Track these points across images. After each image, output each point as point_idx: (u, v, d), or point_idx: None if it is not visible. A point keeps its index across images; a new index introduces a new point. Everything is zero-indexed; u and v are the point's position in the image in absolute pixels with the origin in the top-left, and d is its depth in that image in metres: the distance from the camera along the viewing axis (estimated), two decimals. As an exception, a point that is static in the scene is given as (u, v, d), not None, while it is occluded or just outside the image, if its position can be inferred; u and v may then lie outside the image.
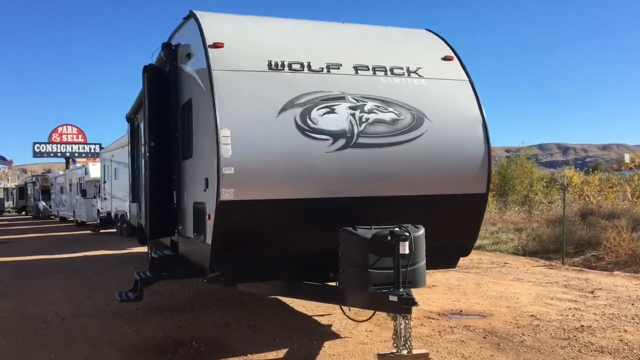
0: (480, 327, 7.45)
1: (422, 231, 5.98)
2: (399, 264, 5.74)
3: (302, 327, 7.61)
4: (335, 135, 6.40)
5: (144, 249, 18.11)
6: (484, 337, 6.99)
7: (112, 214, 25.98)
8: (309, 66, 6.68)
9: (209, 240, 6.35)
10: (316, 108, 6.43)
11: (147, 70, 8.20)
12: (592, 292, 9.66)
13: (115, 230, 25.95)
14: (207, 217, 6.39)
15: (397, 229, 5.82)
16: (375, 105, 6.65)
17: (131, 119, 15.03)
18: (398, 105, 6.75)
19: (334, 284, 6.72)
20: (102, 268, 14.03)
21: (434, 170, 6.79)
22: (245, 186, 6.08)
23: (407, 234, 5.76)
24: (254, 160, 6.11)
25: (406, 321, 5.71)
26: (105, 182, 27.80)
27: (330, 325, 7.71)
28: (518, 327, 7.40)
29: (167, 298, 9.75)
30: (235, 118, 6.13)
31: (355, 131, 6.48)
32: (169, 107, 8.16)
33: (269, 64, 6.56)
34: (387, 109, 6.69)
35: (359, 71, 6.86)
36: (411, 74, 7.07)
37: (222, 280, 6.89)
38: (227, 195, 6.01)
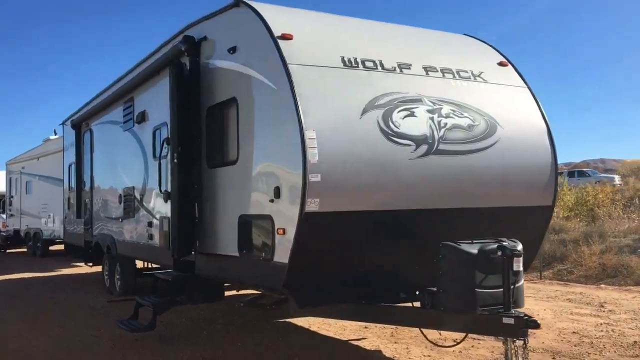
0: (537, 346, 7.07)
1: (521, 246, 5.51)
2: (510, 282, 5.22)
3: (352, 354, 6.88)
4: (417, 141, 5.82)
5: (81, 269, 16.55)
6: (553, 358, 6.61)
7: (22, 232, 23.54)
8: (381, 64, 6.08)
9: (281, 257, 5.53)
10: (397, 110, 5.83)
11: (175, 65, 7.20)
12: (601, 306, 9.62)
13: (25, 250, 23.50)
14: (277, 231, 5.57)
15: (507, 243, 5.32)
16: (451, 110, 6.16)
17: (79, 125, 13.57)
18: (471, 110, 6.29)
19: (407, 304, 6.15)
20: (46, 292, 12.37)
21: (506, 181, 6.37)
22: (332, 196, 5.35)
23: (519, 249, 5.28)
24: (340, 166, 5.40)
25: (524, 346, 5.18)
26: (12, 197, 25.30)
27: (380, 351, 7.03)
28: (575, 346, 7.10)
29: (162, 326, 8.60)
30: (320, 118, 5.39)
31: (436, 137, 5.93)
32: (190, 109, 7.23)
33: (343, 60, 5.89)
34: (462, 114, 6.21)
35: (429, 72, 6.34)
36: (476, 77, 6.65)
37: (292, 302, 5.98)
38: (312, 206, 5.25)
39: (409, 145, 5.76)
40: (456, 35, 7.64)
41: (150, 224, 8.97)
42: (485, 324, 5.29)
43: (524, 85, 6.96)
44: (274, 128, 5.70)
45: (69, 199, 15.07)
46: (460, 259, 5.25)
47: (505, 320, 5.12)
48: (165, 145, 8.16)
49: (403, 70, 6.16)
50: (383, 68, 6.05)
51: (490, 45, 7.44)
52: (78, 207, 13.61)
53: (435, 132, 5.92)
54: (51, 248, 22.01)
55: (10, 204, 25.32)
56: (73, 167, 14.36)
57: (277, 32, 5.71)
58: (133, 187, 9.83)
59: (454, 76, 6.46)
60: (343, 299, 5.99)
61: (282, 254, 5.51)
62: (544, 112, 6.81)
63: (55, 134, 31.48)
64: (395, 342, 7.35)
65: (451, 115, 6.10)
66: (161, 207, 8.49)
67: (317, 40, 5.99)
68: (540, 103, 6.87)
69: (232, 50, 6.46)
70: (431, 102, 6.06)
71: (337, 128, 5.46)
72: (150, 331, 7.23)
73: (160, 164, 8.25)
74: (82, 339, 7.99)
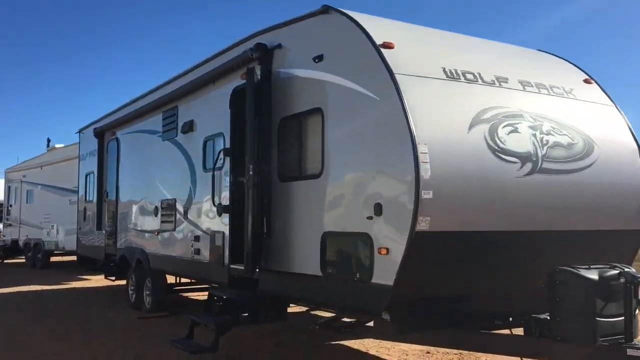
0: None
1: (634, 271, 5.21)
2: (632, 310, 4.92)
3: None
4: (522, 158, 5.52)
5: (90, 283, 16.03)
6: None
7: (21, 243, 22.78)
8: (480, 77, 5.78)
9: (381, 279, 5.17)
10: (502, 125, 5.53)
11: (251, 74, 6.83)
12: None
13: (24, 260, 22.76)
14: (378, 251, 5.21)
15: (627, 269, 5.03)
16: (551, 126, 5.87)
17: (102, 133, 13.14)
18: (569, 127, 6.02)
19: (505, 331, 5.81)
20: (67, 307, 11.82)
21: (603, 202, 6.08)
22: (442, 215, 5.00)
23: (641, 275, 4.98)
24: (451, 183, 5.07)
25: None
26: (10, 205, 24.58)
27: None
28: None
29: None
30: (430, 132, 5.07)
31: (539, 154, 5.63)
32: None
33: (444, 71, 5.59)
34: (561, 131, 5.92)
35: (525, 87, 6.06)
36: (568, 94, 6.38)
37: (390, 327, 5.55)
38: (423, 225, 4.90)
39: (515, 162, 5.45)
40: (533, 50, 7.38)
41: (197, 239, 8.57)
42: (606, 356, 4.95)
43: (612, 103, 6.71)
44: (376, 141, 5.36)
45: (84, 209, 14.58)
46: (580, 285, 4.94)
47: (631, 352, 4.79)
48: (221, 156, 7.81)
49: (502, 84, 5.87)
50: (483, 81, 5.75)
51: (571, 62, 7.19)
52: (99, 219, 13.13)
53: (538, 150, 5.63)
54: (52, 259, 21.40)
55: (8, 213, 24.60)
56: (92, 177, 13.92)
57: (378, 40, 5.39)
58: (174, 200, 9.41)
59: (548, 92, 6.19)
60: (438, 325, 5.63)
61: (383, 276, 5.15)
62: (633, 132, 6.56)
63: (49, 144, 30.75)
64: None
65: (552, 132, 5.82)
66: (213, 221, 8.12)
67: (417, 50, 5.69)
68: (629, 122, 6.62)
69: (318, 58, 6.12)
70: (532, 117, 5.78)
71: (447, 142, 5.14)
72: (214, 352, 6.77)
73: (214, 176, 7.88)
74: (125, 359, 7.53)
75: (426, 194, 4.87)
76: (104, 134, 13.13)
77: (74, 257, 20.94)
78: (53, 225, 20.21)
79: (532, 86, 6.10)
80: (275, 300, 7.01)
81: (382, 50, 5.33)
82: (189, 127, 8.97)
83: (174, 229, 9.39)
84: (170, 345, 7.24)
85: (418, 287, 5.22)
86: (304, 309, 9.08)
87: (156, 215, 10.10)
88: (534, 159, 5.57)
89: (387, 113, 5.20)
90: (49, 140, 34.12)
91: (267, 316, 7.03)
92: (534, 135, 5.68)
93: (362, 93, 5.51)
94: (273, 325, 8.52)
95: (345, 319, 6.78)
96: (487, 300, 5.69)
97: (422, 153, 4.90)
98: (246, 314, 6.96)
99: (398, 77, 5.15)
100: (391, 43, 5.41)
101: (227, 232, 7.62)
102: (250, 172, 6.61)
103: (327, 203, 5.94)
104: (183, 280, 11.21)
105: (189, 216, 8.90)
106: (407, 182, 4.92)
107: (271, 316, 7.06)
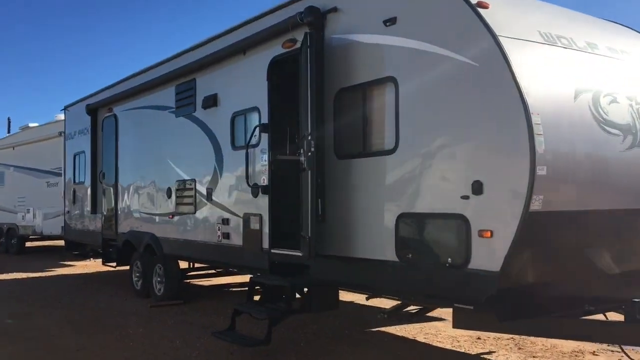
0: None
1: None
2: None
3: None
4: (624, 131, 5.11)
5: (76, 269, 15.26)
6: None
7: (-11, 228, 21.52)
8: (574, 42, 5.30)
9: (482, 264, 4.68)
10: (602, 95, 5.07)
11: (311, 38, 6.17)
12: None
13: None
14: (478, 233, 4.71)
15: None
16: (644, 96, 5.44)
17: (95, 110, 12.26)
18: (659, 98, 5.59)
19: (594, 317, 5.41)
20: (62, 297, 11.01)
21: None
22: (555, 193, 4.54)
23: None
24: (564, 157, 4.62)
25: None
26: (-22, 188, 23.26)
27: (531, 368, 6.27)
28: None
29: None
30: (541, 100, 4.57)
31: (638, 127, 5.22)
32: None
33: (541, 34, 5.08)
34: (654, 102, 5.50)
35: (614, 54, 5.60)
36: (650, 62, 5.95)
37: (490, 314, 5.05)
38: (536, 204, 4.42)
39: (618, 135, 5.03)
40: (598, 18, 6.93)
41: (225, 222, 7.94)
42: None
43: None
44: (473, 112, 4.82)
45: (74, 192, 13.70)
46: None
47: None
48: (256, 133, 7.19)
49: (593, 50, 5.40)
50: (577, 46, 5.27)
51: (637, 30, 6.77)
52: (93, 202, 12.29)
53: (636, 122, 5.21)
54: (27, 244, 20.37)
55: (-24, 197, 23.30)
56: (83, 157, 13.08)
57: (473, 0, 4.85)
58: (194, 180, 8.74)
59: (633, 60, 5.76)
60: (534, 313, 5.18)
61: (485, 261, 4.67)
62: None
63: (9, 122, 28.86)
64: (533, 357, 6.60)
65: (645, 102, 5.39)
66: (246, 203, 7.51)
67: (511, 11, 5.17)
68: None
69: (390, 22, 5.53)
70: (627, 87, 5.35)
71: (557, 112, 4.66)
72: (267, 344, 6.20)
73: (247, 155, 7.27)
74: (163, 352, 6.90)
75: (541, 170, 4.39)
76: (98, 111, 12.27)
77: (51, 242, 20.01)
78: (29, 209, 19.20)
79: (619, 53, 5.66)
80: (330, 287, 6.49)
81: (480, 10, 4.78)
82: (212, 101, 8.29)
83: (194, 212, 8.73)
84: (215, 338, 6.65)
85: (522, 273, 4.75)
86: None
87: (169, 197, 9.41)
88: (634, 131, 5.16)
89: (490, 80, 4.68)
90: (9, 120, 32.32)
91: (320, 304, 6.48)
92: (631, 105, 5.26)
93: (452, 59, 4.96)
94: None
95: (410, 308, 6.31)
96: (581, 284, 5.27)
97: (536, 124, 4.40)
98: (298, 303, 6.41)
99: (504, 41, 4.62)
100: (486, 2, 4.87)
101: (265, 215, 7.05)
102: (312, 149, 5.99)
103: (404, 181, 5.40)
104: (196, 265, 10.56)
105: (214, 198, 8.25)
106: (520, 157, 4.42)
107: (324, 304, 6.53)
